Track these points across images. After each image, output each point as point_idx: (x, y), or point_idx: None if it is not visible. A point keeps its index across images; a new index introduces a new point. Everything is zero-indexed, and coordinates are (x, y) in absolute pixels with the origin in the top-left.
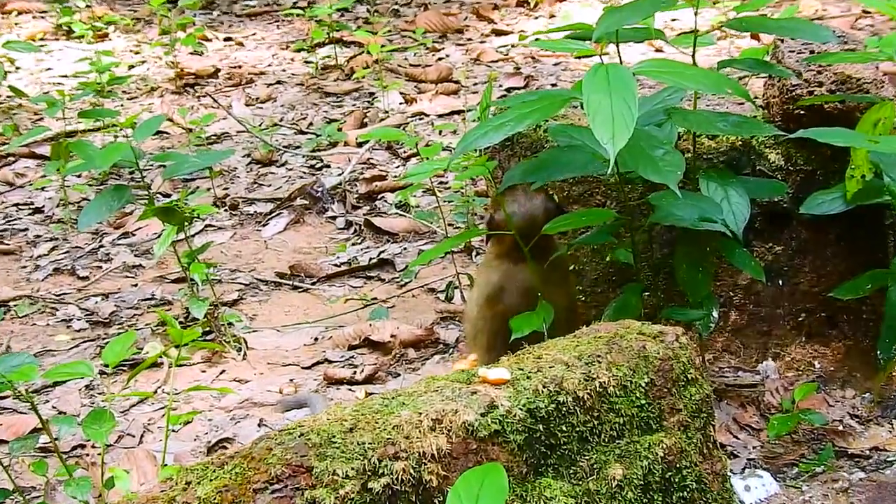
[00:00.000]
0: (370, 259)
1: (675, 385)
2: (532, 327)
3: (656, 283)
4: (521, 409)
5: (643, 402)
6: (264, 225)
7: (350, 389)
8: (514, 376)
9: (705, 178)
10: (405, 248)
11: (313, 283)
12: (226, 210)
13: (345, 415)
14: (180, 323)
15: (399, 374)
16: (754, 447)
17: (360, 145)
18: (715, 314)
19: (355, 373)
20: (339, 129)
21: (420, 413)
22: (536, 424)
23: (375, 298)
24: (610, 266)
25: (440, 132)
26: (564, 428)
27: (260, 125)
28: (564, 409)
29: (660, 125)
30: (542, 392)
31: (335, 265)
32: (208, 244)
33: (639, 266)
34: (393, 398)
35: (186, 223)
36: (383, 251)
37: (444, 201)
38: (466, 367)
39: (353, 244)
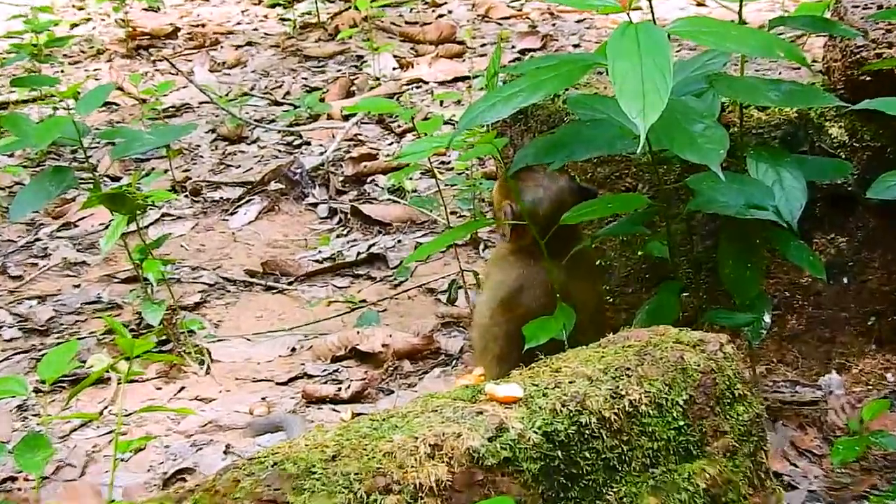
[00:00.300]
0: (358, 254)
1: (719, 403)
2: (549, 334)
3: (697, 282)
4: (535, 433)
5: (681, 423)
6: (232, 213)
7: (334, 409)
8: (527, 393)
9: (754, 157)
10: (399, 241)
11: (290, 283)
12: (186, 196)
13: (327, 440)
14: (131, 331)
15: (392, 391)
16: (816, 477)
17: (345, 118)
18: (767, 318)
19: (340, 389)
20: (322, 100)
21: (416, 437)
22: (554, 450)
23: (364, 301)
24: (642, 261)
25: (441, 103)
26: (588, 454)
27: (227, 95)
28: (587, 431)
29: (700, 95)
30: (561, 412)
31: (316, 261)
32: (165, 237)
33: (676, 261)
34: (384, 420)
35: (139, 212)
36: (374, 244)
37: (446, 185)
38: (471, 383)
39: (338, 236)
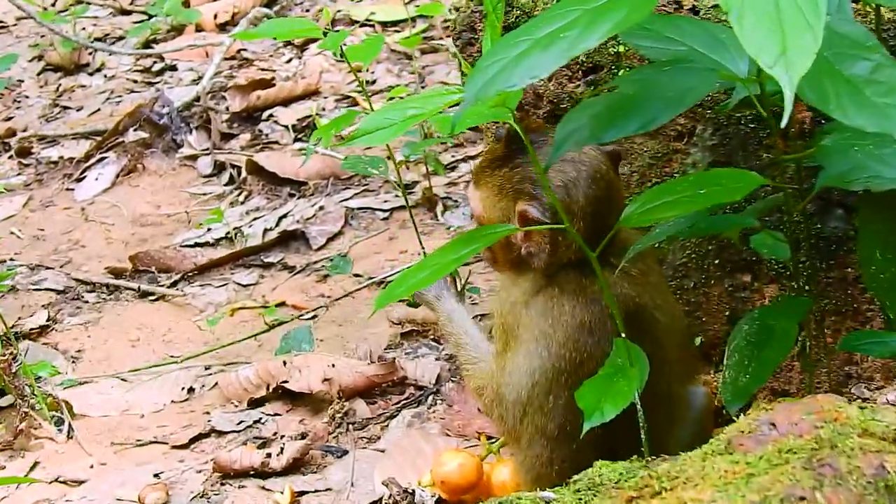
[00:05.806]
0: (265, 231)
1: None
2: (620, 404)
3: (811, 285)
4: None
5: None
6: (79, 179)
7: (263, 487)
8: None
9: None
10: (321, 208)
11: (173, 283)
12: (11, 157)
13: None
14: None
15: (346, 452)
16: None
17: (222, 28)
18: None
19: (269, 456)
20: (185, 4)
21: None
22: None
23: (283, 303)
24: (707, 243)
25: None
26: None
27: (53, 5)
28: None
29: None
30: None
31: (207, 244)
32: None
33: (798, 260)
34: None
35: None
36: (285, 215)
37: None
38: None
39: (233, 204)
